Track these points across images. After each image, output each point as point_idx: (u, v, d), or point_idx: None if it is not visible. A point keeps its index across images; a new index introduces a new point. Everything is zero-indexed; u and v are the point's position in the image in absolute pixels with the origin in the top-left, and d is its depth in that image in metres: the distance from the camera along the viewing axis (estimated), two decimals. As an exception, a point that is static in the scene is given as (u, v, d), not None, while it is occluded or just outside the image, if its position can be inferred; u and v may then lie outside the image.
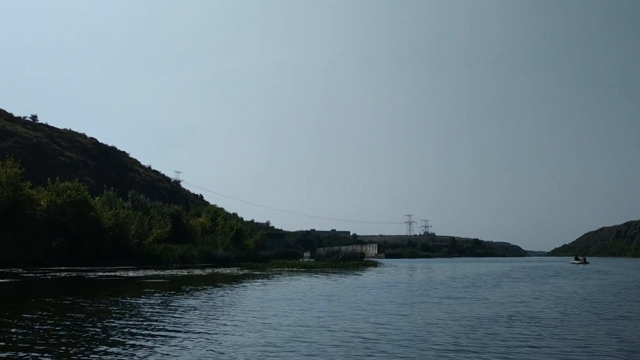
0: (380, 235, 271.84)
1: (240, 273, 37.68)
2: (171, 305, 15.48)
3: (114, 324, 11.59)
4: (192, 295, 18.85)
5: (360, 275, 35.95)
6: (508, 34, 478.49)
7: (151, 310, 14.22)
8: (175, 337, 10.00)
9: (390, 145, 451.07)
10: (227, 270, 41.39)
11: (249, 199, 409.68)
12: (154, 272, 35.87)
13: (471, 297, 19.12)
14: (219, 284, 25.34)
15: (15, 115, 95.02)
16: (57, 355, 8.35)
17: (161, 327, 11.20)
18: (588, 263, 73.12)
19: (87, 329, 10.97)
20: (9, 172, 42.93)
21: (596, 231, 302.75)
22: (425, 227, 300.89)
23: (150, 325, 11.43)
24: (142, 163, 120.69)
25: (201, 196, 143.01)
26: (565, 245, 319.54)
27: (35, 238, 42.73)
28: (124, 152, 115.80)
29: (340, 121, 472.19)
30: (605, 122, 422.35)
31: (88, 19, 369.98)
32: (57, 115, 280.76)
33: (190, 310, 14.32)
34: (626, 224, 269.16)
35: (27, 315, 12.94)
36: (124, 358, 8.16)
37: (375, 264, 61.21)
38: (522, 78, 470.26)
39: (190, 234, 70.27)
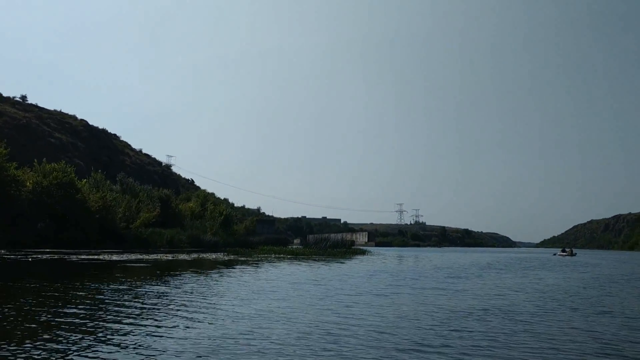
0: (371, 224, 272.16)
1: (226, 259, 37.51)
2: (136, 291, 15.13)
3: (66, 311, 11.17)
4: (164, 282, 18.47)
5: (344, 263, 35.86)
6: (498, 25, 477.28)
7: (113, 296, 13.79)
8: (120, 329, 9.34)
9: (382, 134, 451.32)
10: (213, 256, 41.21)
11: (241, 184, 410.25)
12: (139, 256, 35.63)
13: (450, 288, 18.99)
14: (199, 270, 25.05)
15: (5, 95, 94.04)
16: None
17: (111, 316, 10.68)
18: (575, 255, 73.49)
19: (30, 315, 10.57)
20: (-6, 152, 42.48)
21: (585, 224, 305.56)
22: (416, 216, 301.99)
23: (104, 313, 11.02)
24: (133, 146, 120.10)
25: (192, 181, 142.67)
26: (554, 237, 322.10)
27: (20, 219, 42.39)
28: (114, 134, 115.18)
29: (334, 109, 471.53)
30: (596, 117, 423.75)
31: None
32: (47, 96, 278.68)
33: (154, 297, 13.93)
34: (614, 217, 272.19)
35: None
36: (59, 347, 7.83)
37: (363, 252, 61.22)
38: (515, 69, 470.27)
39: (179, 219, 69.99)
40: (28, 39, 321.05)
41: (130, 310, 11.51)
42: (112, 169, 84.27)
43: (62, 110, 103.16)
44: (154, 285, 17.29)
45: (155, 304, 12.64)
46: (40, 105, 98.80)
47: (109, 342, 8.27)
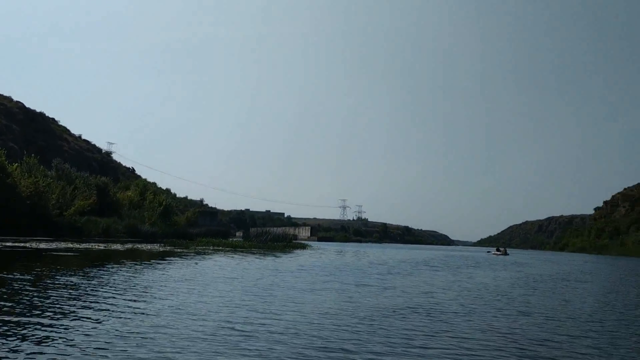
0: (315, 219, 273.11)
1: (161, 250, 36.67)
2: (45, 283, 14.31)
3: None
4: (82, 273, 17.54)
5: (279, 257, 35.67)
6: (433, 27, 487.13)
7: (13, 288, 12.99)
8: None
9: (328, 130, 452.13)
10: (149, 247, 40.22)
11: (184, 175, 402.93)
12: (70, 245, 34.33)
13: (380, 285, 18.96)
14: (127, 261, 24.10)
15: None
16: None
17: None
18: (508, 255, 75.78)
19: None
20: None
21: (520, 224, 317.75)
22: (359, 212, 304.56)
23: None
24: (72, 132, 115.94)
25: (133, 170, 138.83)
26: (490, 236, 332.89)
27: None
28: (52, 118, 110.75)
29: (277, 102, 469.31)
30: (533, 121, 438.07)
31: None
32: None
33: (60, 289, 13.12)
34: (547, 219, 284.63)
35: None
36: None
37: (303, 247, 61.41)
38: (447, 68, 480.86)
39: (117, 208, 67.91)
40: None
41: (27, 303, 10.84)
42: (49, 153, 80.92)
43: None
44: (69, 276, 16.34)
45: (56, 298, 11.81)
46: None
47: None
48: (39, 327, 8.65)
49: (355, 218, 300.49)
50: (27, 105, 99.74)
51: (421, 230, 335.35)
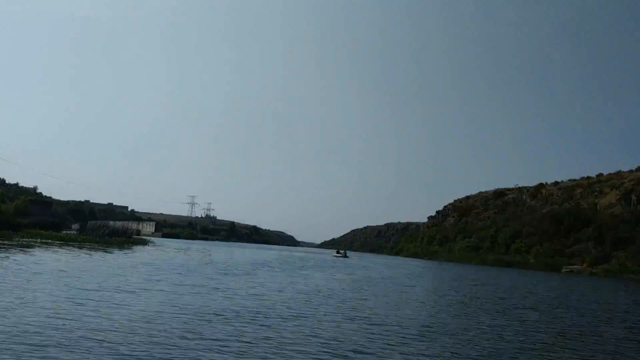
0: (161, 214, 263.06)
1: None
2: None
3: None
4: None
5: (112, 253, 33.47)
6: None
7: None
8: None
9: (178, 126, 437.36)
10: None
11: (15, 159, 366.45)
12: None
13: (213, 286, 18.38)
14: None
15: None
16: None
17: None
18: (348, 257, 78.71)
19: None
20: None
21: (362, 229, 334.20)
22: (208, 209, 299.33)
23: None
24: None
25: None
26: (333, 239, 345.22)
27: None
28: None
29: (133, 93, 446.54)
30: (374, 130, 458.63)
31: None
32: None
33: None
34: (386, 224, 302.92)
35: None
36: None
37: (144, 243, 58.94)
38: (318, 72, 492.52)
39: None
40: None
41: None
42: None
43: None
44: None
45: None
46: None
47: None
48: None
49: (204, 215, 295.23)
50: None
51: (269, 230, 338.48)
